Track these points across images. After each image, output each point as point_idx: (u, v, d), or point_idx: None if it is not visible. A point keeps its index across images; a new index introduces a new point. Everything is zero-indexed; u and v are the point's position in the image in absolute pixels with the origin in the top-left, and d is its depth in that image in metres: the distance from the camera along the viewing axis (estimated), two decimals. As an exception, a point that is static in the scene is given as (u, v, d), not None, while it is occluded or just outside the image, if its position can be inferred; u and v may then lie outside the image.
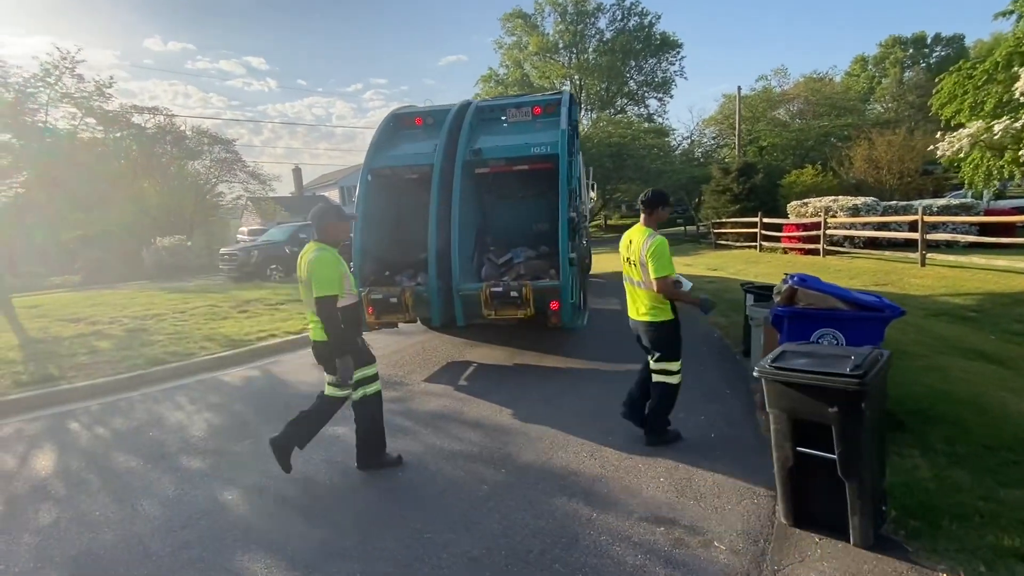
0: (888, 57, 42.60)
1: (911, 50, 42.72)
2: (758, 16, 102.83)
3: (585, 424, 4.18)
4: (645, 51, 37.22)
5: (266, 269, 15.44)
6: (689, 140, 36.40)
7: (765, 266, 13.66)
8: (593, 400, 4.73)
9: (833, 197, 16.58)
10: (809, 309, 3.42)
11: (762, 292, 5.35)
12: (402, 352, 6.76)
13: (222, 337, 7.51)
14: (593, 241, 15.81)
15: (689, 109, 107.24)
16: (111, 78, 10.35)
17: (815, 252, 14.69)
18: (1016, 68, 11.36)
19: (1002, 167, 12.37)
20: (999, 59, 11.83)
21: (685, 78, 55.00)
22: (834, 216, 15.08)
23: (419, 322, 6.43)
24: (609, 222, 39.84)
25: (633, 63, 37.51)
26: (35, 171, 9.76)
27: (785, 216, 17.51)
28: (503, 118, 6.76)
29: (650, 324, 3.65)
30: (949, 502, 2.76)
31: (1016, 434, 3.50)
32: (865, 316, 3.30)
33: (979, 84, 12.44)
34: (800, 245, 15.55)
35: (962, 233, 13.23)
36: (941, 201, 16.04)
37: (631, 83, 38.76)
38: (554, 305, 5.49)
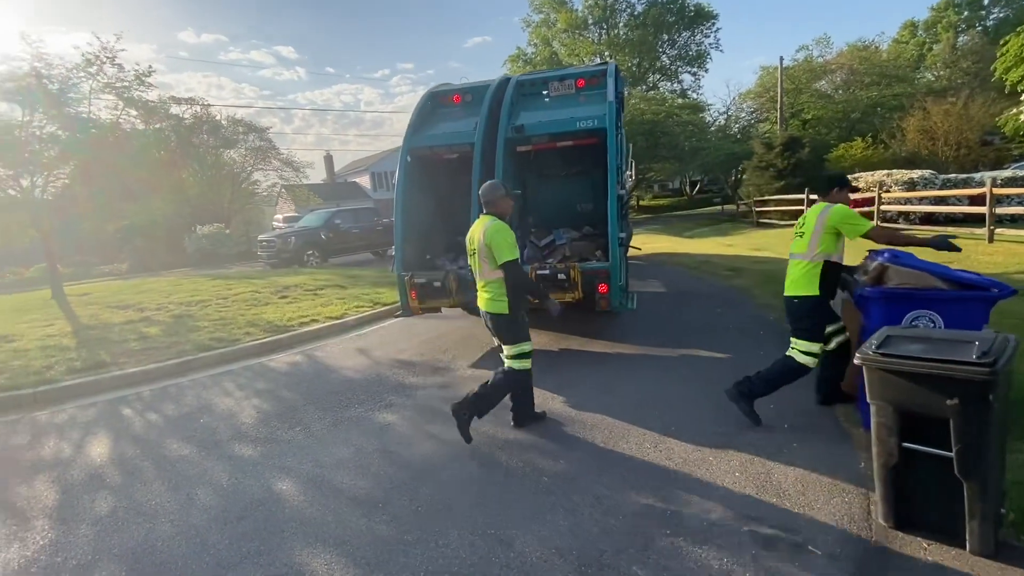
0: (940, 21, 39.94)
1: (966, 13, 39.89)
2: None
3: (644, 413, 3.95)
4: (678, 24, 35.92)
5: (303, 255, 15.59)
6: (726, 115, 35.08)
7: (813, 245, 13.02)
8: (650, 387, 4.50)
9: (886, 171, 15.68)
10: (902, 289, 3.09)
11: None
12: (444, 337, 6.64)
13: (265, 323, 7.53)
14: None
15: (726, 83, 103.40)
16: (149, 67, 10.39)
17: (867, 229, 13.90)
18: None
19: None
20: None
21: (721, 51, 52.84)
22: (888, 191, 14.25)
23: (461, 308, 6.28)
24: (642, 203, 38.99)
25: (666, 37, 36.25)
26: (81, 162, 9.93)
27: (832, 192, 16.65)
28: (545, 92, 6.46)
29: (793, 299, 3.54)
30: (1076, 504, 2.45)
31: None
32: (969, 296, 2.96)
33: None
34: (850, 222, 14.76)
35: (1032, 206, 12.30)
36: (1006, 173, 14.95)
37: (663, 58, 37.54)
38: (603, 288, 5.25)
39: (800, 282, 3.49)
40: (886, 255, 3.27)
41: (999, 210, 11.13)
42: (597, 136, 5.64)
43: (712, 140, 28.90)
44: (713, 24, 36.50)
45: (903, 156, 21.28)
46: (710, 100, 63.61)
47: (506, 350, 3.76)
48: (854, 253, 3.74)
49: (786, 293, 3.61)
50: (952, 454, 2.19)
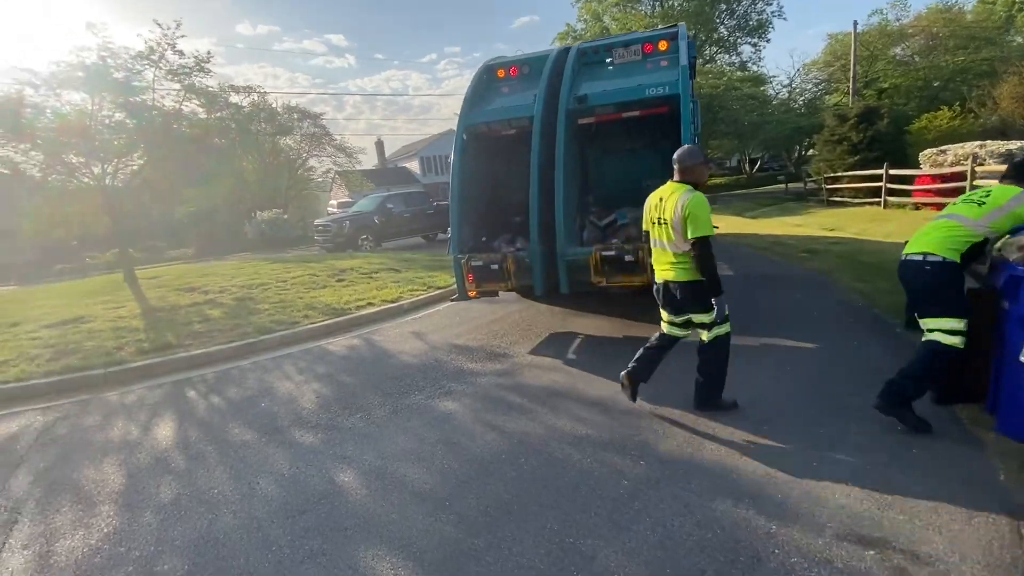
0: (1036, -24, 35.89)
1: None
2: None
3: (730, 410, 3.58)
4: (737, -9, 33.78)
5: (357, 239, 15.76)
6: (790, 88, 32.98)
7: (896, 224, 11.97)
8: (734, 380, 4.04)
9: (979, 142, 14.18)
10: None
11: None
12: (500, 322, 6.40)
13: (323, 305, 7.53)
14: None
15: (790, 53, 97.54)
16: (208, 53, 10.54)
17: (957, 207, 12.65)
18: None
19: None
20: None
21: (784, 19, 49.44)
22: (981, 164, 12.89)
23: (515, 292, 6.00)
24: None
25: (724, 6, 34.08)
26: (148, 149, 10.24)
27: (913, 166, 15.28)
28: (609, 60, 6.00)
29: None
30: None
31: None
32: None
33: None
34: (936, 200, 13.48)
35: None
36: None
37: (721, 29, 35.36)
38: None
39: (943, 243, 2.94)
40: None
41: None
42: (668, 104, 5.18)
43: (775, 114, 27.22)
44: (776, -10, 34.14)
45: (994, 126, 19.31)
46: (772, 72, 60.11)
47: (700, 319, 3.45)
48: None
49: (916, 249, 3.06)
50: None
